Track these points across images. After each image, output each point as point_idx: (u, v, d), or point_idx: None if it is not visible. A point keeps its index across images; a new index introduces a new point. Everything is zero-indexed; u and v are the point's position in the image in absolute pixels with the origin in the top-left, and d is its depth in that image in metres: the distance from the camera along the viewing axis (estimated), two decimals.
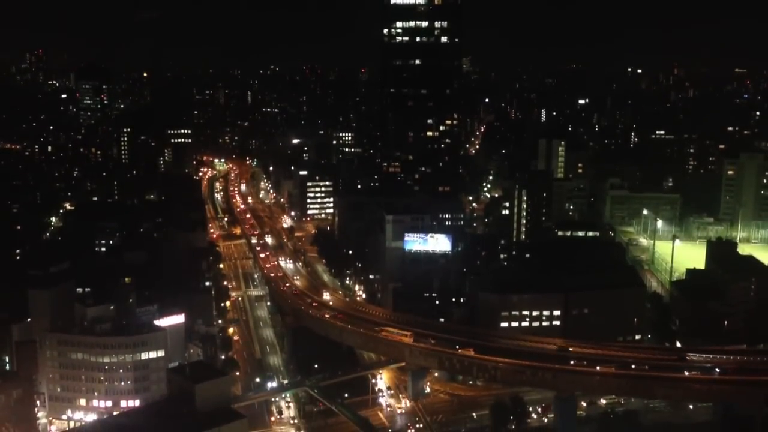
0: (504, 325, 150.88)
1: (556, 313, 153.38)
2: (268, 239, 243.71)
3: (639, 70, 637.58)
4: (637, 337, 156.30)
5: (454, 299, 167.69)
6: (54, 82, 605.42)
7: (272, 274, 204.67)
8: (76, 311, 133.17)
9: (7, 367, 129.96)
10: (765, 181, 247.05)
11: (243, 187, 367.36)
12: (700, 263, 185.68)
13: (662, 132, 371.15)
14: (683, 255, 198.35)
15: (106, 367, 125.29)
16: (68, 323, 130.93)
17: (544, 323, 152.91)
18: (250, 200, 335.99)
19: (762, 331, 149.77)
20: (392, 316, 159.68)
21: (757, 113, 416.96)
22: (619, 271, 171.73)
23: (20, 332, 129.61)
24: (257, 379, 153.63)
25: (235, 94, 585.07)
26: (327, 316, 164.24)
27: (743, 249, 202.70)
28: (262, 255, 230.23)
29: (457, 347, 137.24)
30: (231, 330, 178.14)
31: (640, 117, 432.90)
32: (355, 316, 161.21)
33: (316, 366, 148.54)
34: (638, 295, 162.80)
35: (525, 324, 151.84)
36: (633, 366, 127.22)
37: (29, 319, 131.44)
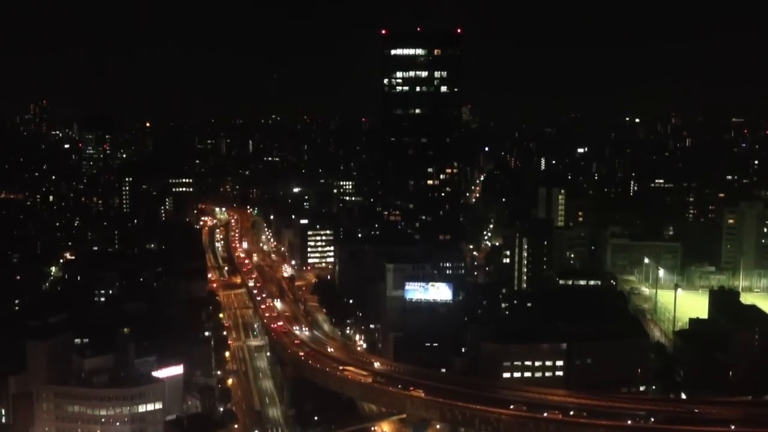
0: (506, 375, 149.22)
1: (559, 363, 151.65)
2: (278, 304, 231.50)
3: (637, 120, 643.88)
4: (642, 388, 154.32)
5: (455, 349, 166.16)
6: (57, 132, 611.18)
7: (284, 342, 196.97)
8: (73, 362, 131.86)
9: (3, 420, 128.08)
10: (765, 229, 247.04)
11: (243, 236, 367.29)
12: (702, 312, 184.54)
13: (661, 180, 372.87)
14: (686, 304, 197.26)
15: (103, 419, 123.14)
16: (66, 374, 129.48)
17: (547, 373, 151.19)
18: (250, 249, 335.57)
19: (766, 382, 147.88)
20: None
21: (756, 162, 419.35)
22: (621, 321, 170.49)
23: (17, 384, 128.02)
24: None
25: (236, 143, 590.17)
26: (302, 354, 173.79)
27: (746, 298, 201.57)
28: (263, 306, 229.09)
29: (411, 388, 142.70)
30: (230, 381, 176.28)
31: (639, 165, 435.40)
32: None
33: (315, 418, 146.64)
34: (642, 344, 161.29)
35: (527, 374, 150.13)
36: None
37: (26, 371, 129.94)
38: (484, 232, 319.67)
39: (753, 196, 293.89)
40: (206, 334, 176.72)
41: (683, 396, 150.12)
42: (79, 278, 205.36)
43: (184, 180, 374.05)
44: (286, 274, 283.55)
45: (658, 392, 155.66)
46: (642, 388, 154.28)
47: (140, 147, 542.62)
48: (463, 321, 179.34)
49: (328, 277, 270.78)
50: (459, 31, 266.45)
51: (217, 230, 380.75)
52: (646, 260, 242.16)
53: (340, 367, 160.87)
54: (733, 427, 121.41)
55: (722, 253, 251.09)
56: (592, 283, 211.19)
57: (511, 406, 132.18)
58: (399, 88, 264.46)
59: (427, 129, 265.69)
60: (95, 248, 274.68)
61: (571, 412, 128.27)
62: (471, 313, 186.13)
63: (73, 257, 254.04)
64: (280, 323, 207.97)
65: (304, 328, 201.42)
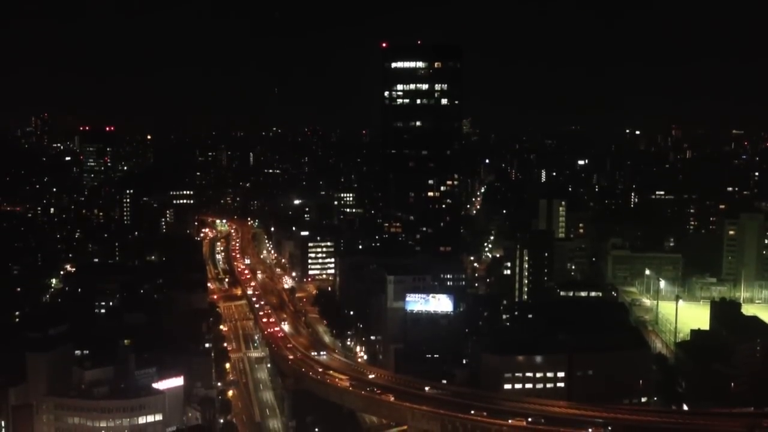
0: (507, 386, 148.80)
1: (560, 374, 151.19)
2: (286, 327, 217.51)
3: (637, 132, 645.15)
4: (643, 399, 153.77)
5: (456, 360, 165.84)
6: (59, 144, 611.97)
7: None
8: (74, 374, 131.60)
9: None
10: (766, 241, 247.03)
11: (244, 247, 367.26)
12: (704, 324, 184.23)
13: (662, 192, 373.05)
14: (687, 315, 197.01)
15: (103, 431, 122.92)
16: (66, 386, 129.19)
17: (548, 385, 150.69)
18: (251, 261, 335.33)
19: None
20: None
21: (756, 174, 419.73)
22: (622, 332, 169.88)
23: (17, 396, 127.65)
24: None
25: (237, 156, 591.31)
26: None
27: (747, 309, 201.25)
28: (262, 313, 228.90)
29: (378, 390, 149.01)
30: (230, 392, 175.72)
31: (639, 177, 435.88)
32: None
33: (316, 430, 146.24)
34: (643, 356, 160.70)
35: (529, 386, 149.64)
36: None
37: (27, 383, 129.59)
38: (485, 244, 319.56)
39: (753, 207, 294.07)
40: (207, 345, 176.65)
41: (685, 407, 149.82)
42: (79, 290, 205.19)
43: (184, 192, 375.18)
44: (286, 286, 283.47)
45: (659, 404, 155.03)
46: (643, 400, 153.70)
47: (141, 159, 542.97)
48: (464, 332, 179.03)
49: (329, 288, 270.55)
50: (459, 44, 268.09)
51: (218, 242, 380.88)
52: (647, 272, 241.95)
53: (320, 370, 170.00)
54: None
55: (723, 264, 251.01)
56: (593, 294, 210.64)
57: (472, 411, 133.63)
58: (399, 100, 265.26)
59: (428, 141, 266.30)
60: (96, 260, 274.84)
61: (529, 419, 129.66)
62: (472, 325, 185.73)
63: (74, 269, 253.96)
64: (276, 328, 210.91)
65: (322, 353, 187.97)
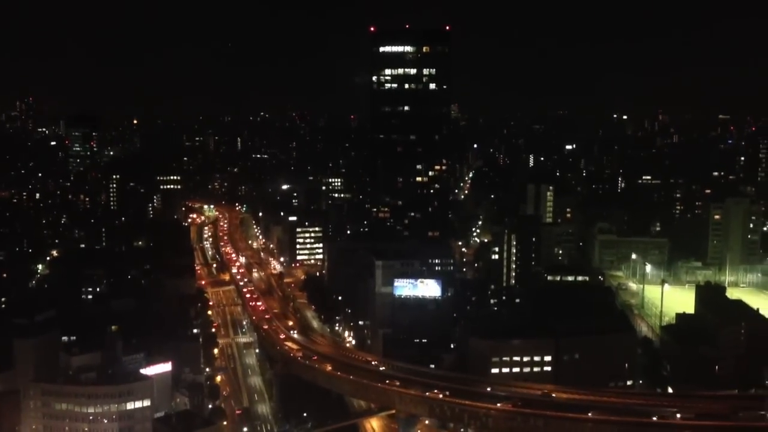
0: (495, 371, 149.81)
1: (547, 358, 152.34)
2: (295, 335, 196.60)
3: (624, 116, 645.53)
4: (629, 382, 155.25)
5: (444, 345, 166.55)
6: (44, 129, 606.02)
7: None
8: (61, 360, 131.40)
9: None
10: (751, 225, 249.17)
11: (232, 233, 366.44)
12: (689, 307, 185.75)
13: (649, 177, 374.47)
14: (672, 299, 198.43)
15: (91, 417, 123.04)
16: (53, 372, 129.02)
17: (535, 369, 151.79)
18: (239, 246, 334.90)
19: (752, 376, 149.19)
20: None
21: (742, 159, 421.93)
22: (609, 316, 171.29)
23: (4, 382, 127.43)
24: (245, 429, 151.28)
25: (224, 141, 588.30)
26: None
27: (732, 293, 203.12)
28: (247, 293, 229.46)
29: (315, 357, 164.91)
30: (219, 378, 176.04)
31: (626, 162, 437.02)
32: None
33: (305, 414, 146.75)
34: (629, 340, 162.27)
35: (516, 370, 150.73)
36: None
37: (13, 369, 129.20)
38: (473, 229, 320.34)
39: (739, 192, 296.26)
40: (195, 331, 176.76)
41: (670, 390, 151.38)
42: (66, 276, 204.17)
43: (172, 177, 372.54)
44: (275, 271, 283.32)
45: (644, 387, 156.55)
46: (629, 383, 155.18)
47: (127, 144, 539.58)
48: (452, 317, 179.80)
49: (317, 273, 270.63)
50: (447, 28, 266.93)
51: (206, 227, 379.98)
52: (634, 256, 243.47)
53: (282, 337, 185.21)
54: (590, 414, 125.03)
55: (709, 248, 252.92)
56: (579, 278, 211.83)
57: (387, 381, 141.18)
58: (387, 85, 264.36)
59: (416, 126, 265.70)
60: (82, 246, 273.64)
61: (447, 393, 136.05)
62: (460, 310, 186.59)
63: (60, 255, 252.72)
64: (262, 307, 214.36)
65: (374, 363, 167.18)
